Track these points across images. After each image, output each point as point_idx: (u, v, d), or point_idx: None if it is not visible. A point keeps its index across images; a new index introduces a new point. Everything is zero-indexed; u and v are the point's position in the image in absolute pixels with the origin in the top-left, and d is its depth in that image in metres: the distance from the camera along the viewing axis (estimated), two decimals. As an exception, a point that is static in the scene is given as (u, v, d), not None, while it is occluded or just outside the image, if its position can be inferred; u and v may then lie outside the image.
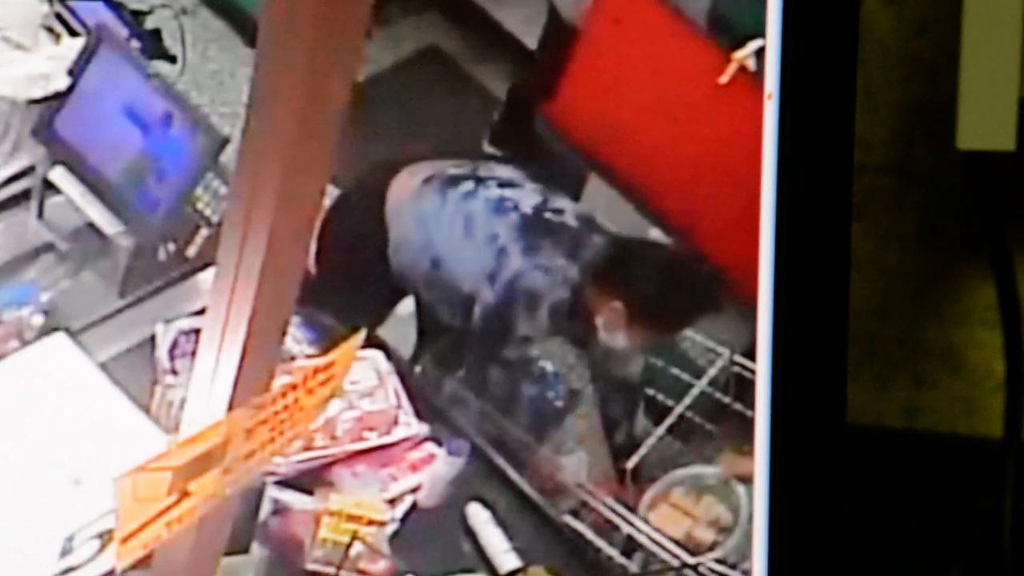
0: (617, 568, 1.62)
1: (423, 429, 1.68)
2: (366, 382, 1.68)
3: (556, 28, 1.64)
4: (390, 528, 1.64)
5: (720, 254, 1.59)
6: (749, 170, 1.44)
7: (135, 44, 1.74)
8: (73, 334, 1.70)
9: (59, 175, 1.76)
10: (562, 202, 1.64)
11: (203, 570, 1.48)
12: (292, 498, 1.64)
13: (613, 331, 1.62)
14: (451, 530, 1.66)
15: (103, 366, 1.69)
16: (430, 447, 1.68)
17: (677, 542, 1.59)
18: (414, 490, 1.66)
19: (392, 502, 1.65)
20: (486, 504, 1.66)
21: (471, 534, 1.66)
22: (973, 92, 1.68)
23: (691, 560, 1.58)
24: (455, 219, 1.66)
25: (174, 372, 1.66)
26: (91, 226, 1.76)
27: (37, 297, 1.70)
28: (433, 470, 1.67)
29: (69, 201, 1.76)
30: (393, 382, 1.69)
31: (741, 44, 1.48)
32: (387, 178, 1.70)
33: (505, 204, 1.65)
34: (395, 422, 1.69)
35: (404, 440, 1.68)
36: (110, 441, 1.62)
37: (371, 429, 1.68)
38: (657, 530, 1.60)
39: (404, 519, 1.65)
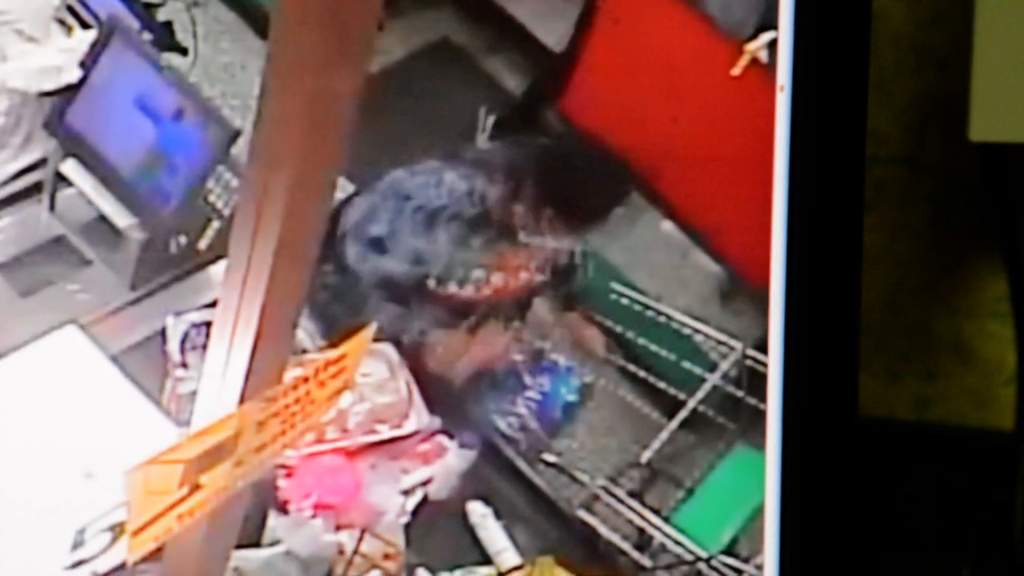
0: (630, 562, 1.62)
1: (434, 422, 1.68)
2: (377, 375, 1.68)
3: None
4: (402, 520, 1.64)
5: (732, 247, 1.59)
6: (761, 162, 1.43)
7: (147, 36, 1.74)
8: (84, 327, 1.70)
9: (71, 168, 1.76)
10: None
11: (214, 563, 1.48)
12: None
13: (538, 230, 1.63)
14: (460, 524, 1.66)
15: (114, 359, 1.69)
16: (441, 440, 1.68)
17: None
18: (426, 483, 1.66)
19: (406, 493, 1.65)
20: (490, 500, 1.66)
21: (471, 531, 1.66)
22: (986, 83, 1.68)
23: (704, 554, 1.59)
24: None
25: (185, 365, 1.66)
26: (103, 219, 1.76)
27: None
28: (445, 463, 1.67)
29: (81, 194, 1.76)
30: (404, 375, 1.68)
31: (753, 36, 1.48)
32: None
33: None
34: (406, 415, 1.69)
35: (415, 433, 1.68)
36: (122, 434, 1.63)
37: (382, 422, 1.68)
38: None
39: (415, 512, 1.65)
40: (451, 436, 1.67)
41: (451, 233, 1.66)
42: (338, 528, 1.62)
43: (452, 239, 1.66)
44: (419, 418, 1.68)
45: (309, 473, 1.63)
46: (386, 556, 1.62)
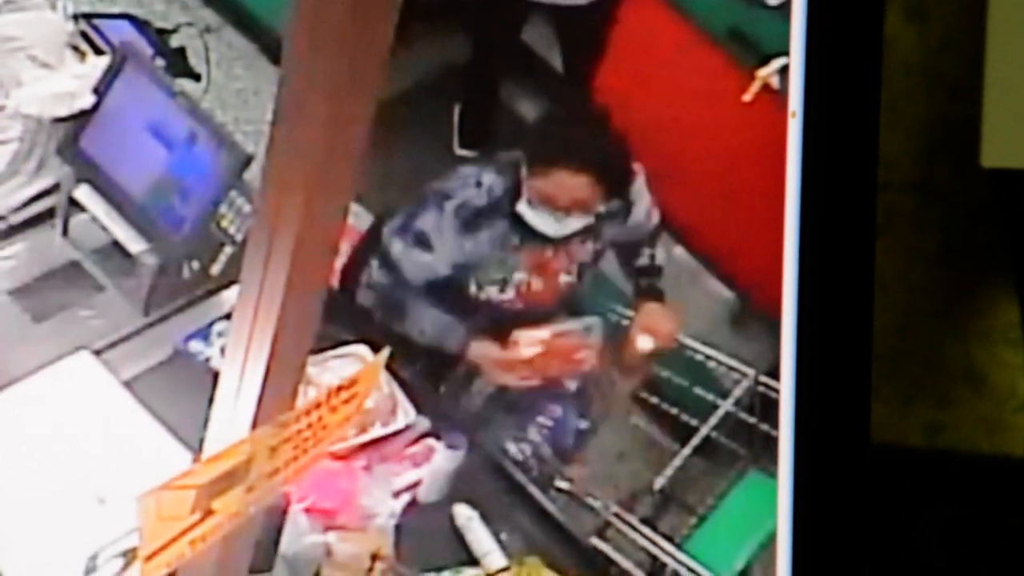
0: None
1: (422, 421, 1.68)
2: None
3: (581, 48, 1.64)
4: (392, 522, 1.64)
5: (744, 273, 1.59)
6: (773, 188, 1.43)
7: (160, 62, 1.75)
8: (97, 352, 1.71)
9: (84, 193, 1.77)
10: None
11: (227, 588, 1.47)
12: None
13: None
14: (447, 526, 1.67)
15: (127, 384, 1.69)
16: (429, 442, 1.68)
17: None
18: (414, 486, 1.66)
19: (396, 496, 1.66)
20: (477, 503, 1.66)
21: (458, 533, 1.66)
22: (997, 110, 1.68)
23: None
24: None
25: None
26: (116, 244, 1.76)
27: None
28: (433, 465, 1.67)
29: (94, 219, 1.77)
30: (383, 374, 1.68)
31: (765, 62, 1.48)
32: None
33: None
34: (393, 411, 1.69)
35: (406, 429, 1.68)
36: (134, 459, 1.63)
37: (372, 422, 1.68)
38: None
39: (404, 514, 1.66)
40: (438, 437, 1.67)
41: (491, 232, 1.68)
42: (326, 529, 1.63)
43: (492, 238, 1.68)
44: (407, 414, 1.69)
45: (306, 478, 1.62)
46: (374, 556, 1.62)
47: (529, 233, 1.66)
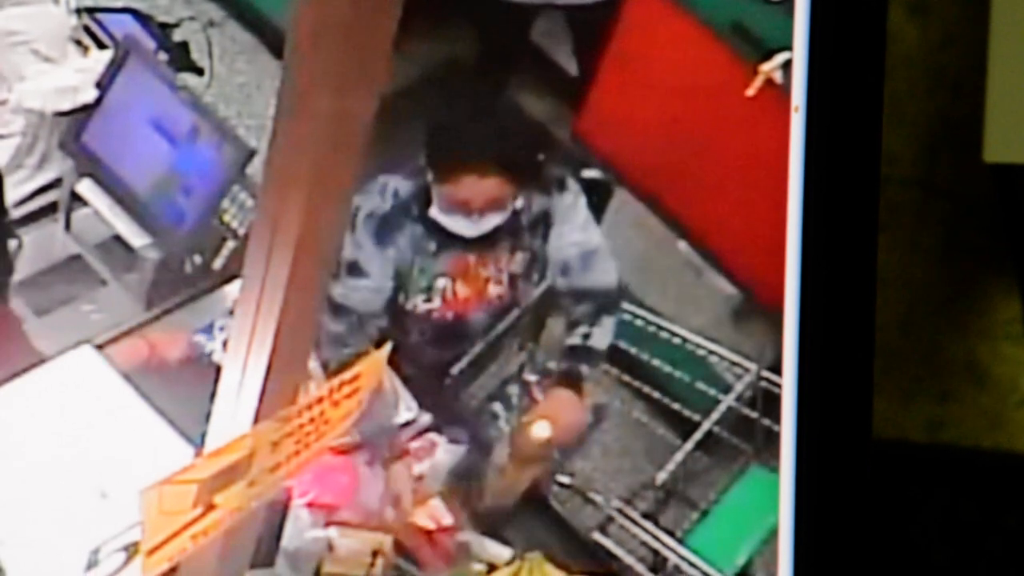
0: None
1: (424, 417, 1.68)
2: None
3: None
4: None
5: (747, 268, 1.59)
6: (776, 183, 1.43)
7: (163, 56, 1.75)
8: (99, 346, 1.71)
9: (87, 187, 1.77)
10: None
11: (229, 582, 1.48)
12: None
13: None
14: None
15: (129, 378, 1.69)
16: (432, 436, 1.68)
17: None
18: (417, 480, 1.67)
19: None
20: None
21: None
22: (999, 105, 1.68)
23: (719, 576, 1.59)
24: None
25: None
26: (118, 238, 1.76)
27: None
28: (434, 460, 1.67)
29: (96, 213, 1.77)
30: (386, 371, 1.68)
31: (768, 57, 1.48)
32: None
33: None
34: (396, 407, 1.69)
35: (408, 424, 1.68)
36: (136, 453, 1.63)
37: (375, 418, 1.68)
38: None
39: None
40: (440, 432, 1.67)
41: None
42: (328, 524, 1.63)
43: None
44: (409, 408, 1.68)
45: (308, 472, 1.63)
46: (376, 552, 1.62)
47: (446, 237, 1.64)
